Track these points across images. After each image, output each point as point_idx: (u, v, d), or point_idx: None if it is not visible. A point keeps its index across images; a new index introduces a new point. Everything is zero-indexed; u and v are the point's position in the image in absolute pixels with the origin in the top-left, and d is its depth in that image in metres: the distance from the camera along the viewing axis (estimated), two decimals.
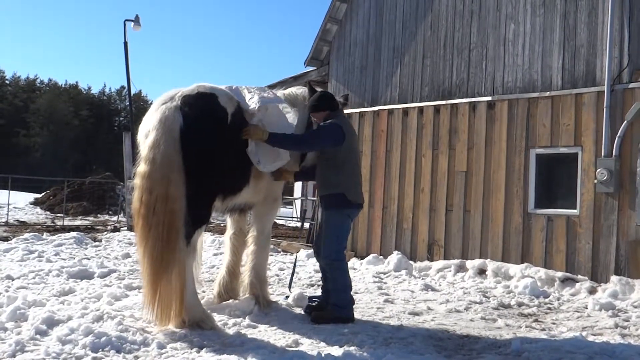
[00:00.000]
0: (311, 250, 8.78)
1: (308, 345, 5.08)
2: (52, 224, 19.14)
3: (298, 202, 25.33)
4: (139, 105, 64.99)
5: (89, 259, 10.03)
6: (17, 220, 19.66)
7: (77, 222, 20.32)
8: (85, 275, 8.21)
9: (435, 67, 11.42)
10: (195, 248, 5.71)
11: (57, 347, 4.53)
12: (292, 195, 25.80)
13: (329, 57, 13.16)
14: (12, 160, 59.25)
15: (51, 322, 5.14)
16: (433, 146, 11.24)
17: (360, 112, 12.44)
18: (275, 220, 7.66)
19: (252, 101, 6.06)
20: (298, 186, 25.75)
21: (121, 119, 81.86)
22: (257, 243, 6.60)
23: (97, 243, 13.06)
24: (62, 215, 21.68)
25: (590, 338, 5.85)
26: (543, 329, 6.35)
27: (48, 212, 24.41)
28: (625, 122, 9.02)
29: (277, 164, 6.17)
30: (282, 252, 12.81)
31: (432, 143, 11.26)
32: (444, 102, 11.18)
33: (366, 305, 7.25)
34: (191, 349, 4.76)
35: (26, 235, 12.80)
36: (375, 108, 12.22)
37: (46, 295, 6.70)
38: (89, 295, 6.72)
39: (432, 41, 11.50)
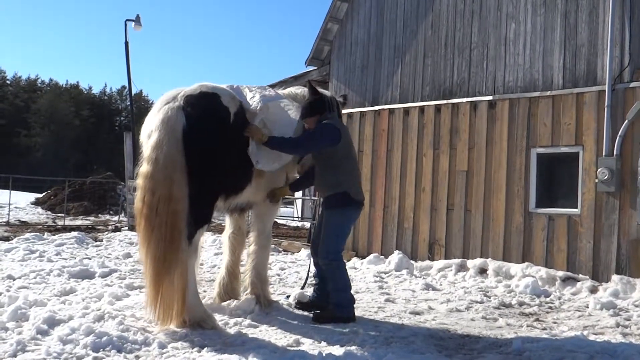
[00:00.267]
0: None
1: (309, 344, 5.08)
2: (53, 224, 19.15)
3: (299, 202, 25.35)
4: (140, 105, 65.05)
5: (90, 259, 10.03)
6: (18, 220, 19.67)
7: (78, 222, 20.33)
8: (86, 275, 8.21)
9: (436, 66, 11.42)
10: (197, 248, 5.71)
11: (58, 346, 4.53)
12: (292, 194, 25.79)
13: (330, 56, 13.16)
14: (13, 160, 59.31)
15: (52, 322, 5.14)
16: (434, 146, 11.24)
17: (361, 112, 12.44)
18: (276, 220, 7.67)
19: (253, 100, 6.06)
20: None
21: (122, 118, 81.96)
22: (258, 242, 6.59)
23: (98, 243, 13.07)
24: (63, 215, 21.68)
25: (592, 337, 5.85)
26: (544, 328, 6.35)
27: (49, 212, 24.43)
28: (627, 121, 9.01)
29: (276, 164, 6.17)
30: (283, 252, 12.81)
31: (433, 142, 11.26)
32: (444, 101, 11.18)
33: (367, 304, 7.25)
34: (192, 349, 4.76)
35: (27, 235, 12.81)
36: (376, 107, 12.22)
37: (47, 295, 6.70)
38: (90, 295, 6.72)
39: (433, 40, 11.50)
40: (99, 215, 24.32)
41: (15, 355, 4.37)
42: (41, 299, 6.21)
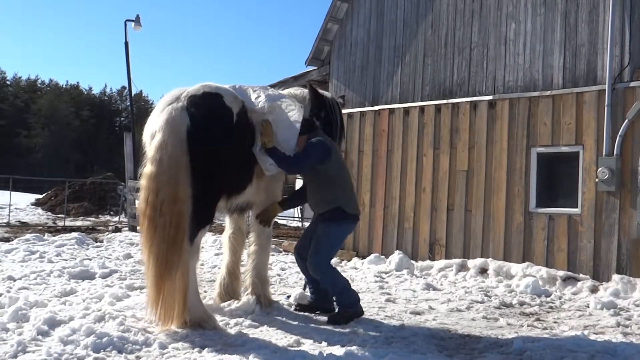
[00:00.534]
0: None
1: (310, 345, 5.08)
2: (54, 225, 19.16)
3: None
4: (140, 106, 65.08)
5: (90, 260, 10.02)
6: (19, 221, 19.67)
7: (79, 223, 20.34)
8: (86, 275, 8.20)
9: (436, 66, 11.42)
10: (199, 248, 5.71)
11: (58, 347, 4.53)
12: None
13: (330, 56, 13.16)
14: (13, 160, 59.31)
15: (53, 323, 5.13)
16: (434, 145, 11.24)
17: (361, 112, 12.44)
18: (277, 220, 7.67)
19: (259, 100, 6.05)
20: (299, 186, 25.70)
21: (122, 119, 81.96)
22: (258, 243, 6.59)
23: (98, 243, 13.07)
24: (63, 215, 21.69)
25: (592, 337, 5.85)
26: (545, 328, 6.35)
27: (49, 213, 24.44)
28: (627, 120, 9.01)
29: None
30: (283, 252, 12.81)
31: (433, 142, 11.26)
32: (445, 101, 11.18)
33: (368, 304, 7.24)
34: (193, 349, 4.76)
35: (27, 236, 12.81)
36: (377, 107, 12.22)
37: (48, 295, 6.70)
38: (91, 295, 6.72)
39: (433, 40, 11.50)
40: (99, 216, 24.33)
41: (16, 356, 4.37)
42: (42, 300, 6.20)
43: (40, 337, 4.84)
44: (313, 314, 6.41)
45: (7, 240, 12.89)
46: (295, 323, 5.94)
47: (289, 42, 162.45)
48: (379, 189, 12.01)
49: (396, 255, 10.51)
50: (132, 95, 24.45)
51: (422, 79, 11.63)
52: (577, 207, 9.48)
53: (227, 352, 4.66)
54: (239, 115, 5.77)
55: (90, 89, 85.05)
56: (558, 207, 9.72)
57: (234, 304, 6.33)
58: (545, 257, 9.62)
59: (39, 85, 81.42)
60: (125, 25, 20.62)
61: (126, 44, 20.51)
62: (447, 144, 11.04)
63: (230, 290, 6.66)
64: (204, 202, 5.44)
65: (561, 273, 9.04)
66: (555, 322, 6.73)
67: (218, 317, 5.74)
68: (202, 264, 9.99)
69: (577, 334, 5.84)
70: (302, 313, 6.43)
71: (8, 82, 78.81)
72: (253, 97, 6.08)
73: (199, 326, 5.31)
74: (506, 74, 10.45)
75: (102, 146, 72.53)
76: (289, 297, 6.96)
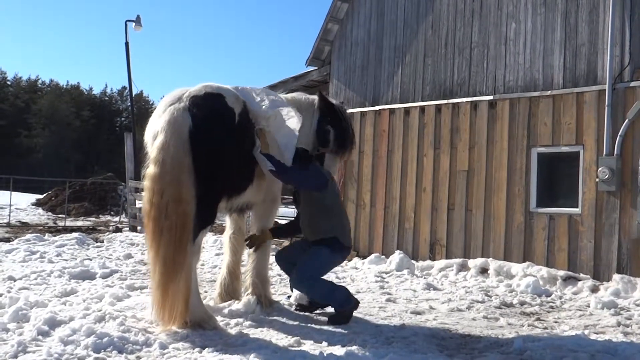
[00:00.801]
0: None
1: (310, 345, 5.08)
2: (54, 225, 19.17)
3: None
4: (141, 106, 65.05)
5: (90, 260, 10.02)
6: (19, 221, 19.69)
7: (79, 223, 20.35)
8: (87, 275, 8.20)
9: (437, 66, 11.42)
10: (200, 249, 5.72)
11: (59, 347, 4.53)
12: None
13: (331, 56, 13.16)
14: (13, 161, 59.31)
15: (53, 323, 5.13)
16: (435, 145, 11.24)
17: (361, 112, 12.44)
18: (277, 220, 7.67)
19: (264, 104, 6.05)
20: None
21: (123, 119, 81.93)
22: None
23: (99, 244, 13.07)
24: (63, 216, 21.69)
25: (593, 336, 5.85)
26: (545, 328, 6.35)
27: (50, 213, 24.46)
28: (627, 120, 9.01)
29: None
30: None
31: (433, 142, 11.26)
32: (445, 101, 11.18)
33: (368, 304, 7.25)
34: (193, 349, 4.76)
35: (28, 236, 12.81)
36: (377, 107, 12.22)
37: (48, 296, 6.70)
38: (91, 295, 6.72)
39: (433, 40, 11.50)
40: (100, 216, 24.34)
41: (16, 356, 4.37)
42: (42, 300, 6.21)
43: (40, 337, 4.84)
44: (313, 314, 6.41)
45: (7, 240, 12.90)
46: (296, 323, 5.94)
47: (289, 42, 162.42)
48: (379, 189, 12.01)
49: (397, 255, 10.51)
50: (133, 95, 24.47)
51: (422, 79, 11.63)
52: (577, 207, 9.48)
53: (227, 352, 4.66)
54: (240, 116, 5.77)
55: (91, 89, 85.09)
56: (558, 207, 9.72)
57: (235, 304, 6.33)
58: (546, 257, 9.62)
59: (40, 85, 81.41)
60: (126, 25, 20.64)
61: (126, 44, 20.53)
62: (448, 144, 11.04)
63: (230, 291, 6.67)
64: (206, 203, 5.44)
65: (562, 273, 9.04)
66: (556, 322, 6.73)
67: (218, 317, 5.75)
68: (202, 264, 9.99)
69: (578, 334, 5.84)
70: (302, 313, 6.44)
71: (8, 82, 78.81)
72: (257, 100, 6.09)
73: (199, 326, 5.31)
74: (506, 73, 10.45)
75: (102, 146, 72.53)
76: (289, 297, 6.96)
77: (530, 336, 5.79)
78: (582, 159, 9.48)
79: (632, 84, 9.06)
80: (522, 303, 7.81)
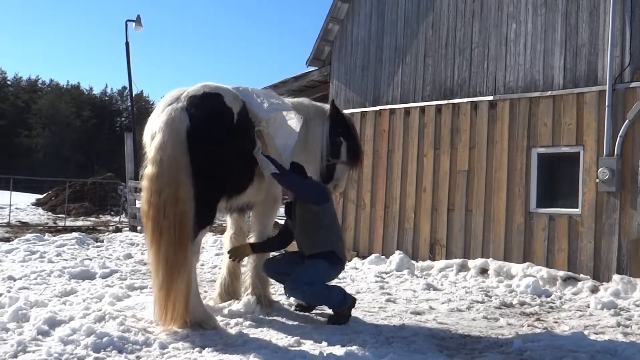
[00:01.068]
0: None
1: (310, 345, 5.08)
2: (54, 225, 19.16)
3: None
4: (141, 106, 65.03)
5: (90, 260, 10.03)
6: (19, 221, 19.68)
7: (79, 223, 20.34)
8: (87, 275, 8.21)
9: (437, 66, 11.42)
10: (199, 248, 5.72)
11: (59, 347, 4.53)
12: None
13: (331, 57, 13.16)
14: (13, 161, 59.32)
15: (53, 323, 5.14)
16: (435, 146, 11.24)
17: (362, 112, 12.44)
18: (277, 220, 7.68)
19: (264, 106, 6.05)
20: None
21: (123, 119, 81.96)
22: None
23: (99, 244, 13.07)
24: (63, 215, 21.68)
25: (592, 337, 5.85)
26: (545, 328, 6.35)
27: (50, 213, 24.43)
28: (627, 121, 9.01)
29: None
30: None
31: (433, 143, 11.26)
32: (445, 101, 11.18)
33: (368, 304, 7.25)
34: (193, 349, 4.76)
35: (28, 236, 12.81)
36: (377, 108, 12.22)
37: (48, 295, 6.71)
38: (91, 295, 6.73)
39: (434, 40, 11.50)
40: (100, 216, 24.32)
41: (16, 356, 4.38)
42: (42, 300, 6.21)
43: (40, 337, 4.84)
44: (313, 314, 6.41)
45: (7, 240, 12.90)
46: (296, 323, 5.94)
47: (290, 43, 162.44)
48: (379, 189, 12.01)
49: (397, 256, 10.51)
50: (133, 95, 24.49)
51: (422, 79, 11.63)
52: (577, 207, 9.48)
53: (227, 352, 4.67)
54: (239, 115, 5.76)
55: (91, 89, 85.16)
56: (558, 208, 9.72)
57: (235, 304, 6.34)
58: (546, 258, 9.62)
59: (40, 85, 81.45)
60: (126, 25, 20.65)
61: (127, 44, 20.54)
62: (448, 144, 11.04)
63: (230, 291, 6.67)
64: (205, 202, 5.44)
65: (561, 273, 9.04)
66: (556, 322, 6.73)
67: (218, 317, 5.75)
68: (202, 264, 9.99)
69: (578, 334, 5.85)
70: (302, 313, 6.44)
71: (9, 82, 78.84)
72: (257, 101, 6.09)
73: (199, 326, 5.32)
74: (507, 74, 10.45)
75: (102, 146, 72.54)
76: (289, 297, 6.94)
77: (530, 336, 5.79)
78: (582, 160, 9.48)
79: (633, 84, 9.06)
80: (522, 303, 7.81)
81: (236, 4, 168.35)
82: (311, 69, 13.52)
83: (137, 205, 16.16)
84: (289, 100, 6.78)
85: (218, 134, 5.52)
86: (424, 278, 9.57)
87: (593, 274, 9.10)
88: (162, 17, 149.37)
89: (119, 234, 15.76)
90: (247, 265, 6.69)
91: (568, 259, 9.44)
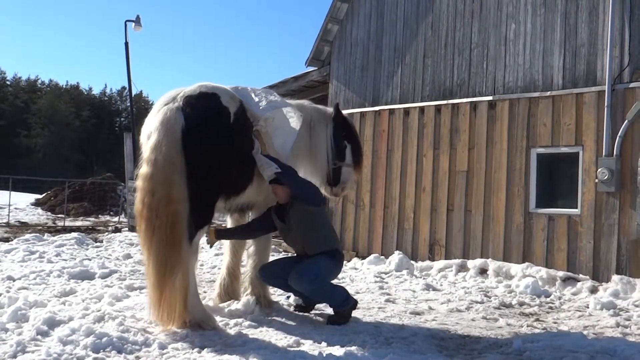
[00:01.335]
0: None
1: (309, 345, 5.08)
2: (53, 225, 19.15)
3: None
4: (140, 106, 64.95)
5: (90, 260, 10.02)
6: (18, 221, 19.66)
7: (78, 223, 20.33)
8: (86, 276, 8.20)
9: (436, 66, 11.42)
10: (198, 249, 5.71)
11: (58, 347, 4.53)
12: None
13: (330, 57, 13.16)
14: (13, 161, 59.27)
15: (52, 323, 5.14)
16: (434, 146, 11.24)
17: (361, 112, 12.44)
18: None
19: (261, 105, 6.05)
20: None
21: (122, 119, 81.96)
22: (258, 243, 6.59)
23: (98, 244, 13.06)
24: (63, 216, 21.68)
25: (592, 337, 5.85)
26: (544, 328, 6.35)
27: (49, 213, 24.42)
28: (626, 121, 9.01)
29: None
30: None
31: (433, 143, 11.26)
32: (445, 101, 11.18)
33: (368, 305, 7.25)
34: (192, 349, 4.76)
35: (27, 236, 12.81)
36: (377, 108, 12.22)
37: (47, 296, 6.70)
38: (90, 295, 6.72)
39: (433, 41, 11.50)
40: (99, 216, 24.32)
41: (15, 356, 4.37)
42: (41, 300, 6.21)
43: (39, 337, 4.84)
44: (312, 315, 6.41)
45: (6, 240, 12.89)
46: (295, 323, 5.94)
47: (289, 43, 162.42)
48: (378, 189, 12.01)
49: (396, 256, 10.51)
50: (132, 95, 24.45)
51: (422, 80, 11.63)
52: (576, 207, 9.48)
53: (226, 353, 4.66)
54: (236, 115, 5.76)
55: (91, 89, 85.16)
56: (558, 208, 9.72)
57: (234, 305, 6.34)
58: (545, 258, 9.62)
59: (39, 85, 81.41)
60: (126, 25, 20.61)
61: (126, 44, 20.51)
62: (447, 145, 11.04)
63: (230, 291, 6.67)
64: (202, 203, 5.44)
65: (561, 273, 9.04)
66: (555, 323, 6.73)
67: (218, 318, 5.74)
68: (201, 265, 9.99)
69: (577, 335, 5.84)
70: (301, 313, 6.44)
71: (8, 82, 78.80)
72: (255, 100, 6.08)
73: (198, 326, 5.32)
74: (506, 74, 10.45)
75: (102, 146, 72.53)
76: (288, 297, 6.96)
77: (529, 337, 5.80)
78: (581, 160, 9.48)
79: (632, 84, 9.06)
80: (521, 304, 7.81)
81: (236, 4, 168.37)
82: (310, 69, 13.53)
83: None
84: (289, 102, 6.79)
85: (214, 134, 5.51)
86: (423, 278, 9.57)
87: (592, 274, 9.10)
88: (161, 17, 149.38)
89: (118, 234, 15.75)
90: (247, 265, 6.69)
91: (567, 259, 9.44)
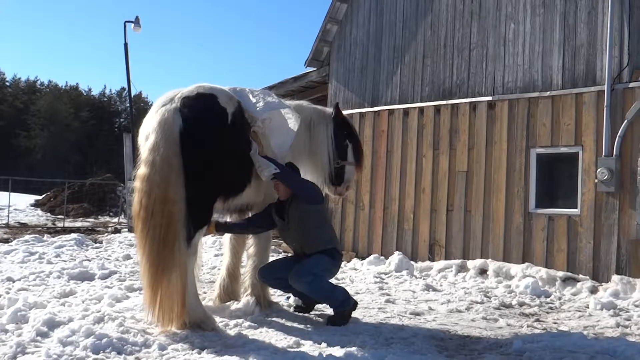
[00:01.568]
0: None
1: (309, 346, 5.07)
2: (53, 226, 19.14)
3: None
4: (139, 107, 64.94)
5: (89, 261, 10.02)
6: (18, 222, 19.65)
7: (78, 224, 20.31)
8: (86, 276, 8.20)
9: (436, 67, 11.42)
10: (197, 250, 5.71)
11: (58, 348, 4.53)
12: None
13: (330, 57, 13.16)
14: (12, 161, 59.22)
15: (52, 324, 5.13)
16: (434, 146, 11.24)
17: (360, 113, 12.44)
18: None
19: (258, 106, 6.05)
20: None
21: (121, 120, 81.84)
22: (258, 244, 6.59)
23: (97, 244, 13.05)
24: (62, 216, 21.65)
25: (592, 337, 5.85)
26: (544, 329, 6.35)
27: (48, 214, 24.39)
28: (626, 121, 9.02)
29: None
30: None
31: (432, 143, 11.26)
32: (444, 102, 11.18)
33: (367, 305, 7.25)
34: (192, 350, 4.76)
35: (27, 237, 12.80)
36: (376, 108, 12.22)
37: (47, 297, 6.70)
38: (90, 296, 6.72)
39: (433, 41, 11.50)
40: (99, 217, 24.29)
41: (15, 357, 4.37)
42: (41, 301, 6.21)
43: (39, 338, 4.84)
44: (312, 315, 6.41)
45: (6, 241, 12.88)
46: (295, 324, 5.94)
47: (289, 43, 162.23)
48: (378, 189, 12.01)
49: (396, 256, 10.50)
50: (132, 96, 24.44)
51: (421, 80, 11.63)
52: (576, 207, 9.48)
53: (226, 353, 4.66)
54: (234, 116, 5.76)
55: (90, 90, 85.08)
56: (557, 208, 9.72)
57: (234, 305, 6.33)
58: (545, 258, 9.62)
59: (39, 86, 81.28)
60: (125, 26, 20.60)
61: (125, 45, 20.49)
62: (447, 145, 11.04)
63: (230, 292, 6.67)
64: (199, 203, 5.44)
65: (561, 274, 9.04)
66: (555, 323, 6.73)
67: (217, 318, 5.74)
68: (201, 265, 9.97)
69: (577, 335, 5.84)
70: (301, 314, 6.44)
71: (7, 83, 78.69)
72: (252, 101, 6.08)
73: (198, 327, 5.32)
74: (505, 74, 10.45)
75: (101, 147, 72.42)
76: (288, 298, 6.96)
77: (529, 337, 5.79)
78: (581, 160, 9.48)
79: (631, 84, 9.06)
80: (521, 304, 7.81)
81: (236, 4, 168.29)
82: (310, 69, 13.53)
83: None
84: (289, 103, 6.78)
85: (211, 135, 5.51)
86: (423, 279, 9.57)
87: (592, 275, 9.10)
88: (161, 18, 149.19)
89: (117, 235, 15.75)
90: (247, 266, 6.69)
91: (567, 259, 9.44)
